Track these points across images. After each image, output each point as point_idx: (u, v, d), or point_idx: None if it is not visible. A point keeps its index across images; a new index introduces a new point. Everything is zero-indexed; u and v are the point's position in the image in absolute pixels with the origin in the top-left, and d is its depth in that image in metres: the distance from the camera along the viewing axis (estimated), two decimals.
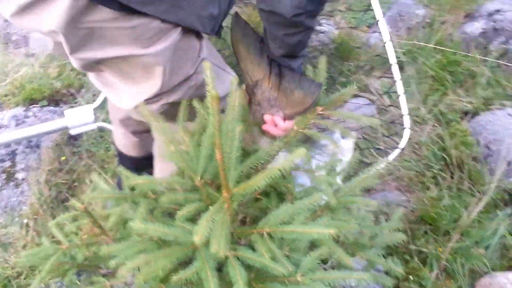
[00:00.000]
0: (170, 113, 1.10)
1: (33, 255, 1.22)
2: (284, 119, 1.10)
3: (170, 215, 1.05)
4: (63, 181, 1.85)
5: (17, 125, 2.01)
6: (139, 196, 1.10)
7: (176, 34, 0.96)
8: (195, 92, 1.09)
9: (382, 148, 2.00)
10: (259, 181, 0.81)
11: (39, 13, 0.84)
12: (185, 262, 0.89)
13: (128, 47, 0.92)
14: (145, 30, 0.90)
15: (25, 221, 1.74)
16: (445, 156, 1.93)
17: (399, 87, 1.98)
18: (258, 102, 1.13)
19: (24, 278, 1.56)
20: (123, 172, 1.06)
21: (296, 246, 0.92)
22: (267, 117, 1.12)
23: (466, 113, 2.19)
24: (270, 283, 0.83)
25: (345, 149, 1.85)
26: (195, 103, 1.02)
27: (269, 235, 0.86)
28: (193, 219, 0.96)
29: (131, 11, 0.86)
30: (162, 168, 1.43)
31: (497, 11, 2.59)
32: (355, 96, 2.24)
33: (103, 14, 0.84)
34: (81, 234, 1.35)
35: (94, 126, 1.73)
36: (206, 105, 0.88)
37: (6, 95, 2.17)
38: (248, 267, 0.86)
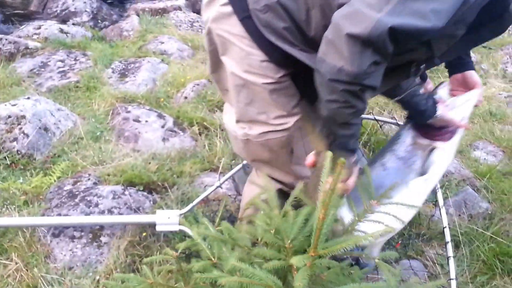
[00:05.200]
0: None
1: (122, 279, 1.38)
2: None
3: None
4: (138, 253, 2.03)
5: (113, 198, 2.28)
6: (235, 243, 1.26)
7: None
8: None
9: None
10: (345, 243, 1.00)
11: None
12: None
13: None
14: None
15: (97, 277, 1.90)
16: None
17: (451, 266, 2.13)
18: None
19: None
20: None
21: None
22: None
23: None
24: None
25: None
26: None
27: None
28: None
29: None
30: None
31: None
32: (411, 257, 2.37)
33: None
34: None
35: (177, 229, 2.07)
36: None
37: (108, 175, 2.50)
38: None
